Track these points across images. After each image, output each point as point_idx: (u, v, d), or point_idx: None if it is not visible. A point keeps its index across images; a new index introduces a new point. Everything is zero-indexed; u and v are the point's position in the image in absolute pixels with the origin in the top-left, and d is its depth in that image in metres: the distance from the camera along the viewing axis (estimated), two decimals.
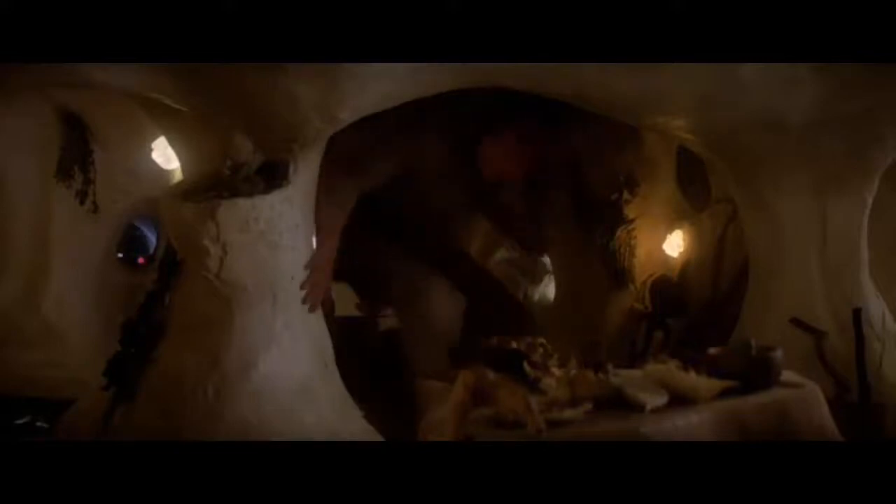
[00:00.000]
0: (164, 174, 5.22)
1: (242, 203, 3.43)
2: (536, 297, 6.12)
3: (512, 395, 2.30)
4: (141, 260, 6.29)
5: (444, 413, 2.37)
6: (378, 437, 3.56)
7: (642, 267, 5.52)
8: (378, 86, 3.37)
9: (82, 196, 5.47)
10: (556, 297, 5.96)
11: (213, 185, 3.46)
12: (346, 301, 4.91)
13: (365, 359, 4.51)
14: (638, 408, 2.79)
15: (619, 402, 2.84)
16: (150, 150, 5.22)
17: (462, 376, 2.31)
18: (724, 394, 2.97)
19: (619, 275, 5.53)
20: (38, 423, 4.20)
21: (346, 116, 3.47)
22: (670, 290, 5.41)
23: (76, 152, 5.40)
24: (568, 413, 2.61)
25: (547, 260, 6.02)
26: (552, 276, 6.07)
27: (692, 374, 2.97)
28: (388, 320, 5.09)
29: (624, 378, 2.96)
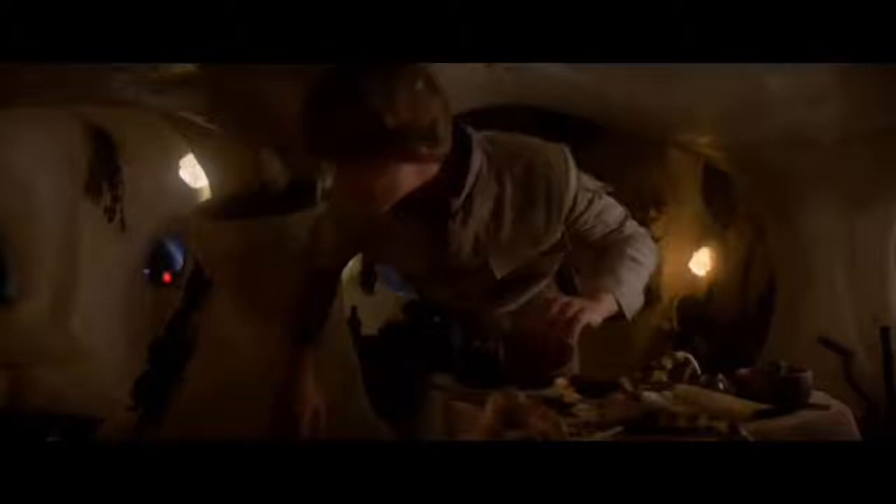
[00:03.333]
0: (192, 192, 5.22)
1: (275, 221, 3.44)
2: None
3: (543, 418, 2.28)
4: (167, 277, 6.31)
5: (473, 436, 2.35)
6: None
7: (669, 286, 5.52)
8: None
9: (110, 213, 5.50)
10: None
11: (244, 202, 3.47)
12: (376, 318, 4.91)
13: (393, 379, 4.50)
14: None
15: (649, 425, 2.81)
16: (178, 167, 5.22)
17: (492, 399, 2.29)
18: (754, 416, 2.94)
19: (646, 294, 5.51)
20: (68, 440, 4.21)
21: None
22: (697, 309, 5.39)
23: (104, 170, 5.43)
24: (598, 436, 2.59)
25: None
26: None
27: (726, 396, 2.94)
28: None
29: (654, 399, 2.94)
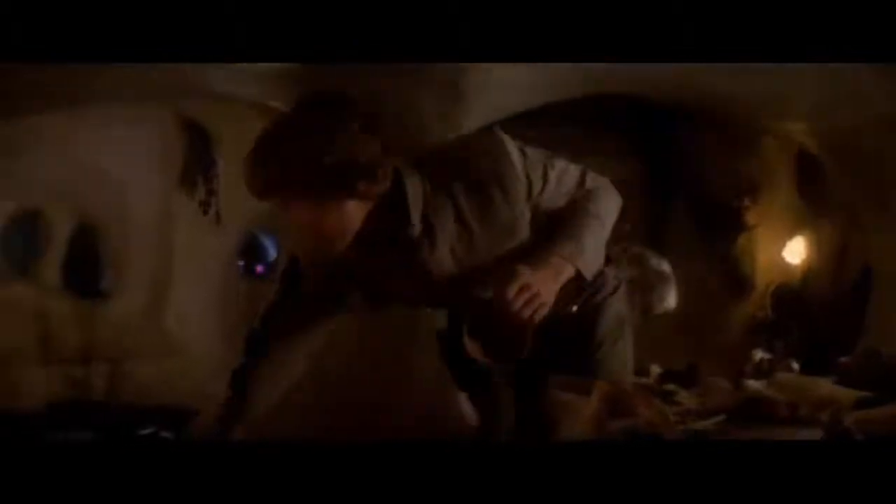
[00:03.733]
0: None
1: None
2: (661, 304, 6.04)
3: (648, 406, 2.28)
4: (259, 269, 6.35)
5: (579, 425, 2.35)
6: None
7: (763, 274, 5.46)
8: (501, 94, 3.37)
9: (205, 207, 5.50)
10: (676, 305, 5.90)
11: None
12: None
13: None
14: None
15: (750, 413, 2.80)
16: None
17: (598, 387, 2.30)
18: (856, 405, 2.91)
19: (740, 282, 5.47)
20: (163, 434, 4.27)
21: (470, 124, 3.48)
22: (792, 297, 5.33)
23: (199, 164, 5.45)
24: (701, 424, 2.59)
25: (668, 267, 5.96)
26: (674, 284, 6.01)
27: (827, 383, 2.93)
28: None
29: (755, 388, 2.93)
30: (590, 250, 2.47)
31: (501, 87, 3.34)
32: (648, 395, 2.38)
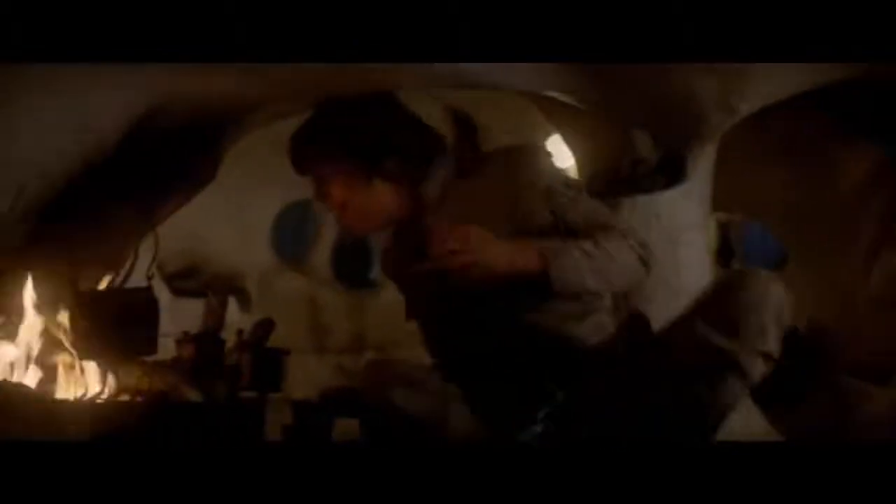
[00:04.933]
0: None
1: (644, 200, 3.39)
2: None
3: None
4: None
5: (879, 410, 2.22)
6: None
7: None
8: (778, 77, 3.24)
9: None
10: None
11: (614, 182, 3.44)
12: None
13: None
14: None
15: None
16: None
17: None
18: None
19: None
20: None
21: (746, 109, 3.36)
22: None
23: (469, 154, 5.37)
24: None
25: None
26: None
27: None
28: None
29: None
30: (573, 268, 2.40)
31: (778, 68, 3.19)
32: None
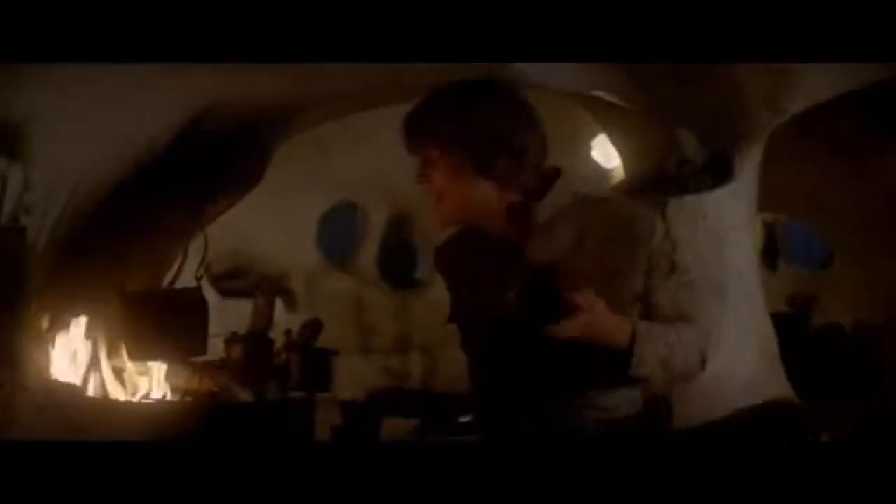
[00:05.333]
0: (604, 172, 5.16)
1: (690, 200, 3.37)
2: None
3: None
4: None
5: None
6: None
7: None
8: (824, 77, 3.23)
9: None
10: None
11: (660, 181, 3.43)
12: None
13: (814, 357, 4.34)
14: None
15: None
16: (590, 148, 5.20)
17: None
18: None
19: None
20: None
21: (793, 109, 3.35)
22: None
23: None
24: None
25: None
26: None
27: None
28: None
29: None
30: (653, 350, 2.38)
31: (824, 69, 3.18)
32: None
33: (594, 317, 2.28)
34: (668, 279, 2.43)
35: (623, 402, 2.50)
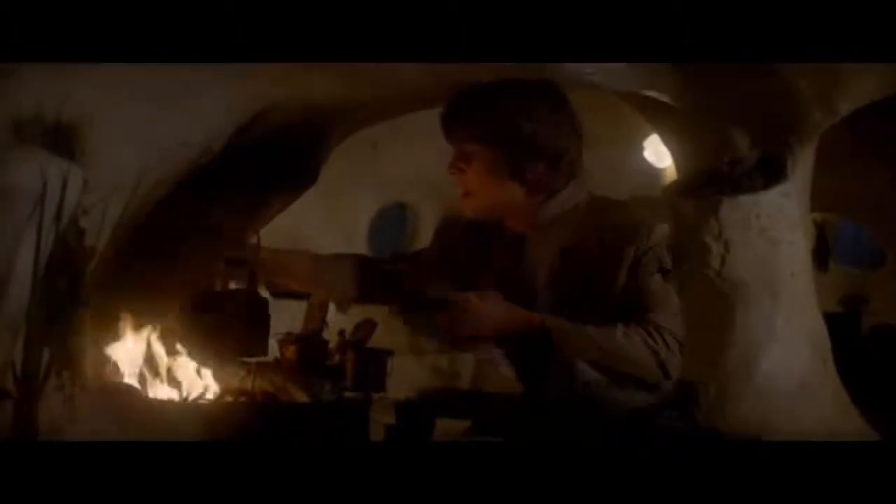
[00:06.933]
0: (656, 172, 5.16)
1: (743, 199, 3.36)
2: None
3: None
4: None
5: None
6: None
7: None
8: (878, 77, 3.21)
9: None
10: None
11: (712, 181, 3.42)
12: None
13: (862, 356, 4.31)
14: None
15: None
16: (642, 148, 5.20)
17: None
18: None
19: None
20: None
21: (846, 108, 3.33)
22: None
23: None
24: None
25: None
26: None
27: None
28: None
29: None
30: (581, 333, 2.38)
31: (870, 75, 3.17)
32: None
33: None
34: (652, 279, 2.46)
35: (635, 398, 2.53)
